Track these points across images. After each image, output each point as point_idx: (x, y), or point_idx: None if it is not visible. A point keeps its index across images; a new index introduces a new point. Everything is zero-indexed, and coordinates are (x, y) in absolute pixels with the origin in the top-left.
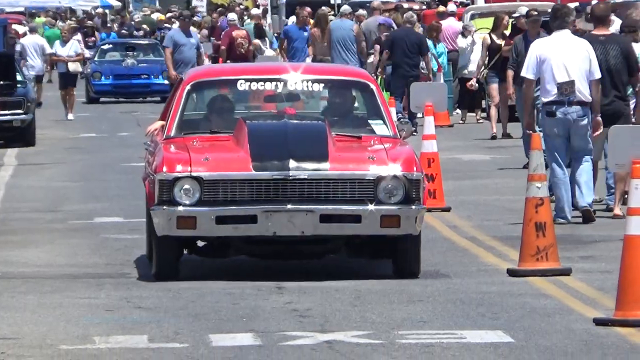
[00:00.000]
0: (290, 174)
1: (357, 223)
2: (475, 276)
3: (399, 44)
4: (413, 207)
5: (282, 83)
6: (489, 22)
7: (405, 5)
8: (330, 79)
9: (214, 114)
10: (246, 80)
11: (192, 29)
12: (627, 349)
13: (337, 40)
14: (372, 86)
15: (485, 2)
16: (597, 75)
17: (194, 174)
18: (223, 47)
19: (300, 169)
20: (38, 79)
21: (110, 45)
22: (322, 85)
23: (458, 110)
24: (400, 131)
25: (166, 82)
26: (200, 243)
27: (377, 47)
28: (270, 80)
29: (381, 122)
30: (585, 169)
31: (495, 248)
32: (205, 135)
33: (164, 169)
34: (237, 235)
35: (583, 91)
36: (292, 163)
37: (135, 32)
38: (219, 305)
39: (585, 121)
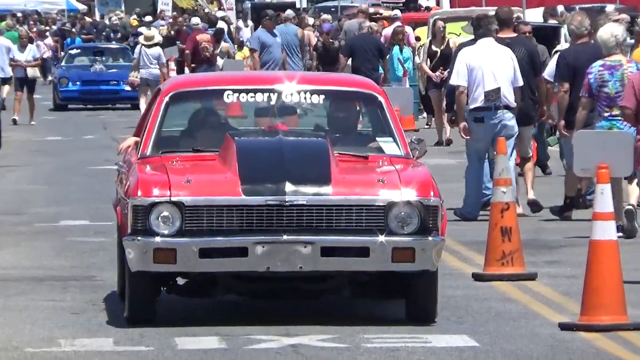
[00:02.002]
0: (287, 199)
1: (364, 257)
2: (440, 280)
3: (358, 50)
4: (430, 238)
5: (275, 94)
6: (454, 27)
7: (371, 10)
8: (332, 90)
9: (196, 130)
10: (234, 91)
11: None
12: (593, 353)
13: (283, 45)
14: (381, 98)
15: (451, 6)
16: (521, 82)
17: (173, 199)
18: (187, 51)
19: (298, 193)
20: (4, 81)
21: (79, 50)
22: (322, 97)
23: (424, 115)
24: (413, 150)
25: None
26: (181, 280)
27: (314, 53)
28: (262, 91)
29: (391, 139)
30: None
31: (460, 252)
32: (186, 154)
33: (139, 193)
34: (224, 271)
35: (508, 96)
36: (289, 186)
37: (112, 35)
38: (184, 309)
39: (510, 123)
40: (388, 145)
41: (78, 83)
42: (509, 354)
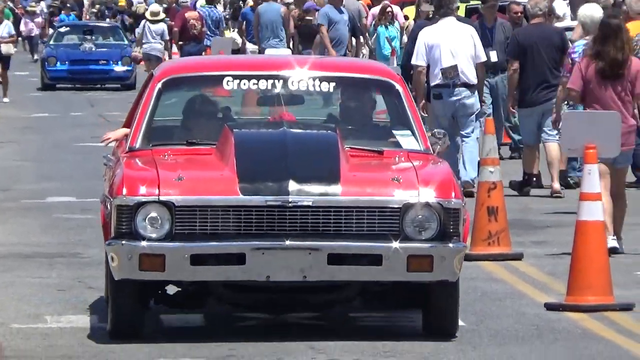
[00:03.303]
0: (290, 200)
1: (376, 266)
2: None
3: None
4: (450, 245)
5: (281, 81)
6: None
7: None
8: (344, 77)
9: (192, 121)
10: (234, 77)
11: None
12: (578, 334)
13: (265, 25)
14: (398, 87)
15: None
16: (482, 58)
17: (162, 198)
18: (176, 29)
19: (303, 193)
20: None
21: (68, 28)
22: (333, 84)
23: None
24: (434, 144)
25: (126, 68)
26: (171, 289)
27: (295, 32)
28: (266, 77)
29: (409, 132)
30: (469, 147)
31: None
32: (179, 148)
33: (124, 191)
34: (218, 280)
35: (467, 74)
36: (293, 185)
37: (106, 12)
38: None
39: (470, 101)
40: (406, 139)
41: (67, 62)
42: (494, 333)
